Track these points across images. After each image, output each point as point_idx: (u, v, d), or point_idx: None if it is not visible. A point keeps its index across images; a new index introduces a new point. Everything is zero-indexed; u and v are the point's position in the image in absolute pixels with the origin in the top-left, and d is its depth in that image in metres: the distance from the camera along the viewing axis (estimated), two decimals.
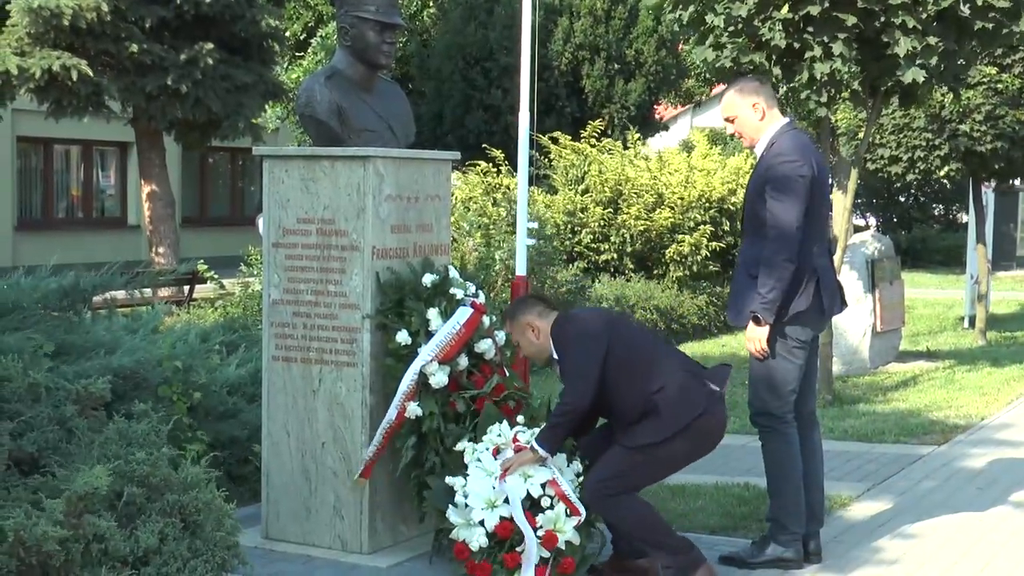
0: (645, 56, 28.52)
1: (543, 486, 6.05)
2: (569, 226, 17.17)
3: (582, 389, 5.96)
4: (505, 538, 5.96)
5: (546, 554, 5.93)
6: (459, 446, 6.24)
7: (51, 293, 7.42)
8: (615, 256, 17.21)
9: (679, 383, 5.97)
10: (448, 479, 6.14)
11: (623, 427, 6.05)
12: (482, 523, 5.97)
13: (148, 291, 12.12)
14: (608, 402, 6.07)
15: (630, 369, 5.99)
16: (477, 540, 5.95)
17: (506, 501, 5.99)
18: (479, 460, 6.15)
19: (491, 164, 17.64)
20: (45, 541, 4.28)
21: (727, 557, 6.53)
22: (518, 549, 5.96)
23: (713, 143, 22.63)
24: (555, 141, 18.82)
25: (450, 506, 6.07)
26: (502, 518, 5.96)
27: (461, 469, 6.17)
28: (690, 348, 15.39)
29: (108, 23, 16.95)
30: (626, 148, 19.82)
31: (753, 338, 6.37)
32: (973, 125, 15.96)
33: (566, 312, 6.37)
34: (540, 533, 5.92)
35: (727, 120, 6.65)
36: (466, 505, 6.03)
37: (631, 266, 17.29)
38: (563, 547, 5.96)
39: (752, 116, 6.53)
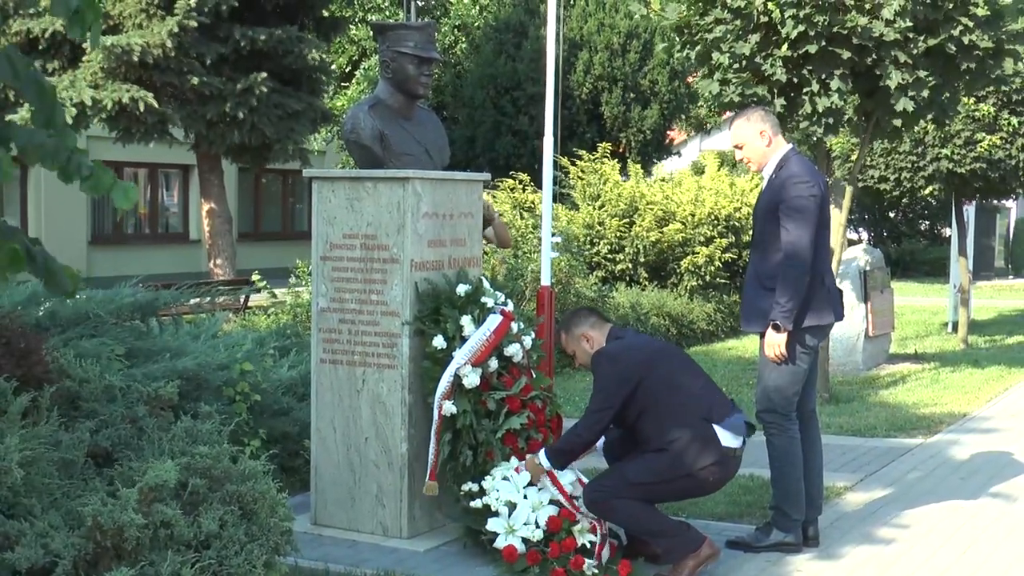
0: (659, 86, 28.51)
1: (572, 485, 6.12)
2: (588, 238, 17.15)
3: (596, 426, 6.01)
4: (556, 531, 5.96)
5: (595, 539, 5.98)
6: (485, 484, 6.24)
7: (124, 306, 7.45)
8: (629, 266, 17.17)
9: (696, 436, 5.89)
10: (481, 501, 6.16)
11: (638, 450, 6.07)
12: (536, 523, 5.98)
13: (208, 300, 12.16)
14: (631, 425, 6.09)
15: (655, 409, 5.95)
16: (530, 535, 5.95)
17: (552, 502, 6.03)
18: (506, 479, 6.16)
19: (518, 183, 17.66)
20: (129, 527, 4.30)
21: (734, 541, 6.51)
22: (575, 529, 5.96)
23: (723, 164, 22.56)
24: (574, 162, 18.78)
25: (490, 519, 6.06)
26: (551, 516, 5.97)
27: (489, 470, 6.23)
28: (699, 351, 15.36)
29: (172, 58, 17.04)
30: (649, 175, 19.77)
31: (773, 344, 6.33)
32: (953, 149, 15.96)
33: (614, 341, 6.26)
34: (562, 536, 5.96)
35: (736, 147, 6.64)
36: (509, 514, 6.03)
37: (645, 275, 17.25)
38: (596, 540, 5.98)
39: (759, 143, 6.52)
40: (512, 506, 6.04)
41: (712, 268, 17.16)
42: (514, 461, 6.27)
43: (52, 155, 3.32)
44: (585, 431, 6.03)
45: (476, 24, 31.48)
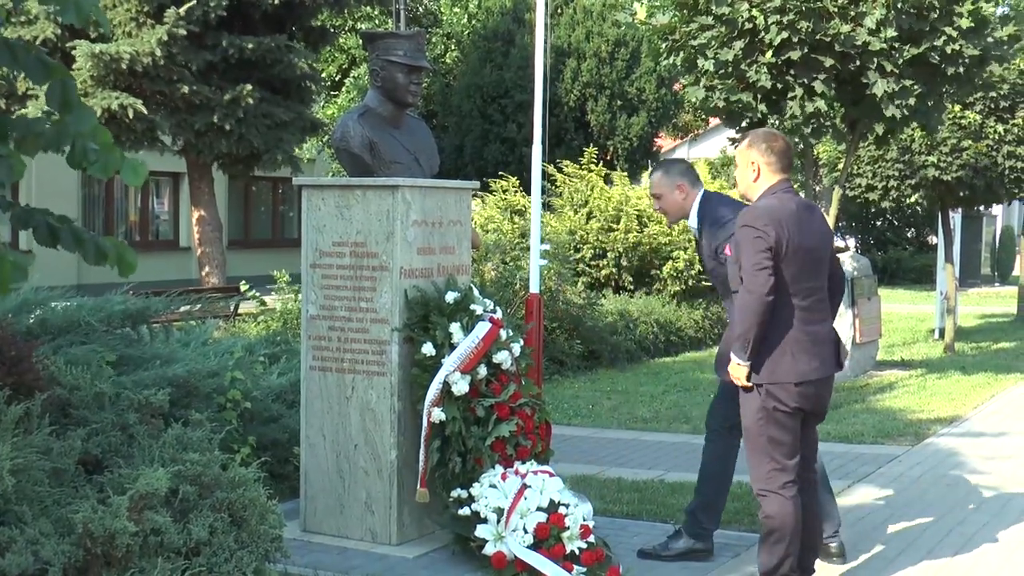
0: (646, 93, 28.57)
1: (560, 492, 6.09)
2: (572, 244, 17.17)
3: (760, 280, 5.25)
4: (545, 538, 5.94)
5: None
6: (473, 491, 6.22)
7: (115, 314, 7.44)
8: (613, 271, 17.20)
9: (797, 343, 5.37)
10: (469, 508, 6.14)
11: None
12: (524, 528, 5.96)
13: (199, 307, 12.15)
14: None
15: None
16: (518, 543, 5.94)
17: (540, 508, 5.99)
18: (494, 486, 6.15)
19: (510, 185, 17.73)
20: (119, 535, 4.29)
21: (645, 551, 6.46)
22: (564, 535, 5.95)
23: (715, 176, 22.63)
24: (561, 171, 18.80)
25: (479, 526, 6.06)
26: (539, 523, 5.95)
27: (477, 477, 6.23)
28: (687, 358, 15.38)
29: (162, 67, 17.04)
30: (637, 183, 19.82)
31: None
32: (940, 157, 16.00)
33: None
34: (551, 543, 5.93)
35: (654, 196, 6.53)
36: (497, 520, 6.02)
37: (630, 279, 17.28)
38: (584, 546, 5.97)
39: (677, 195, 6.36)
40: (500, 512, 6.04)
41: (693, 272, 17.16)
42: (500, 468, 6.27)
43: (54, 142, 3.25)
44: (754, 285, 5.31)
45: (466, 33, 31.54)
